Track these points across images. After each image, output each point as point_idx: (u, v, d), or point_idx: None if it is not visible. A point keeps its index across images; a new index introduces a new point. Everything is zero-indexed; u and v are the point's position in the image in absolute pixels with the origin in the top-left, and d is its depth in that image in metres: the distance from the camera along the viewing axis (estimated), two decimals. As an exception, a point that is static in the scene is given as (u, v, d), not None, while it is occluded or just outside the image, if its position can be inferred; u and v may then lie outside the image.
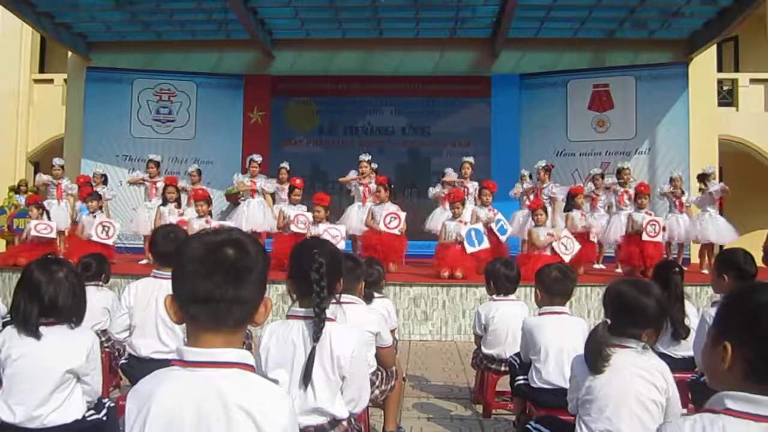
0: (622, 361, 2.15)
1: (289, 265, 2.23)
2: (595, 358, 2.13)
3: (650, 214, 7.77)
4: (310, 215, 7.63)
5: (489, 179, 8.59)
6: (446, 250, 7.37)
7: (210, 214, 7.77)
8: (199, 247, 1.25)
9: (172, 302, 1.27)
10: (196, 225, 7.33)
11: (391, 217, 7.61)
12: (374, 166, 8.99)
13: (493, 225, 7.71)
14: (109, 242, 7.69)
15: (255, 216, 8.50)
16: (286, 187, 8.56)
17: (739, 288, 1.33)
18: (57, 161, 9.33)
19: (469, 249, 7.20)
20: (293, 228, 7.53)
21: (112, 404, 2.64)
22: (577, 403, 2.24)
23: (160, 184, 8.62)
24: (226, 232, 1.30)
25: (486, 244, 7.28)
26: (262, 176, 8.94)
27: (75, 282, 2.45)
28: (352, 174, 8.72)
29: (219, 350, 1.23)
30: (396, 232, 7.59)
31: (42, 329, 2.37)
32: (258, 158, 8.92)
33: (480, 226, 7.45)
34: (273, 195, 8.86)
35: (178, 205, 8.18)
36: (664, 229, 7.66)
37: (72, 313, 2.44)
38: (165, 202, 8.22)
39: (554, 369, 3.09)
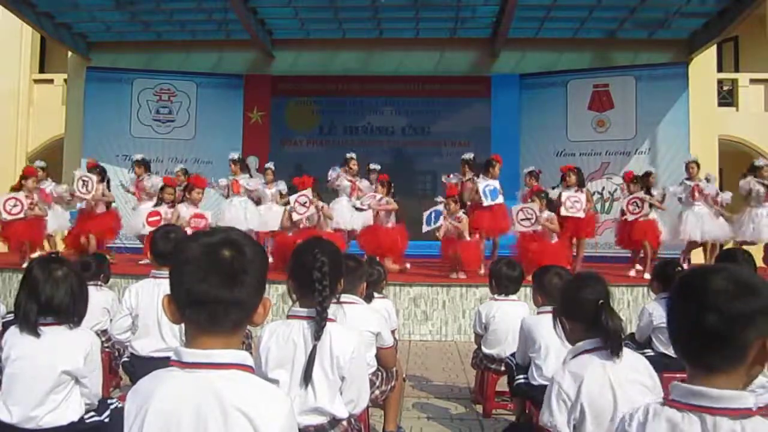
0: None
1: (290, 265, 2.22)
2: None
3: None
4: (309, 191, 7.58)
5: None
6: (450, 242, 7.34)
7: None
8: (195, 248, 1.24)
9: (169, 303, 1.26)
10: (185, 212, 7.39)
11: (371, 197, 7.84)
12: (377, 167, 9.00)
13: (482, 196, 7.64)
14: (88, 197, 7.60)
15: (237, 216, 8.36)
16: (274, 186, 8.53)
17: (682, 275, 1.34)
18: (38, 163, 8.81)
19: (425, 228, 7.35)
20: (295, 217, 7.44)
21: (119, 405, 2.60)
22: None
23: (148, 182, 8.47)
24: (223, 233, 1.28)
25: (441, 223, 7.26)
26: (245, 175, 8.82)
27: (74, 282, 2.44)
28: (332, 174, 8.65)
29: (217, 351, 1.22)
30: (366, 206, 7.75)
31: (42, 329, 2.36)
32: (233, 155, 8.81)
33: (441, 207, 7.45)
34: (259, 197, 8.72)
35: (172, 206, 8.02)
36: (651, 205, 7.66)
37: (71, 313, 2.43)
38: (160, 202, 8.05)
39: (555, 365, 3.09)
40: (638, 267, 7.80)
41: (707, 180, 8.48)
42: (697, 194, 7.96)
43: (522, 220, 7.07)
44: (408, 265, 7.96)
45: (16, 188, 7.90)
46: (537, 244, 7.03)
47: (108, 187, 8.32)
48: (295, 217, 7.40)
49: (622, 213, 7.82)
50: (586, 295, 2.16)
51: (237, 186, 8.49)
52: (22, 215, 7.49)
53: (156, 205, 8.16)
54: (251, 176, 9.00)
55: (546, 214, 7.20)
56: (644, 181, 8.38)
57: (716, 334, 1.16)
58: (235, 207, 8.44)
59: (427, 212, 7.58)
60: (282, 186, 8.70)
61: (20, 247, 7.80)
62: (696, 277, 1.22)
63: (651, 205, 7.80)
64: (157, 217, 7.88)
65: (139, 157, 8.99)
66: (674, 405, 1.19)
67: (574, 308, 2.20)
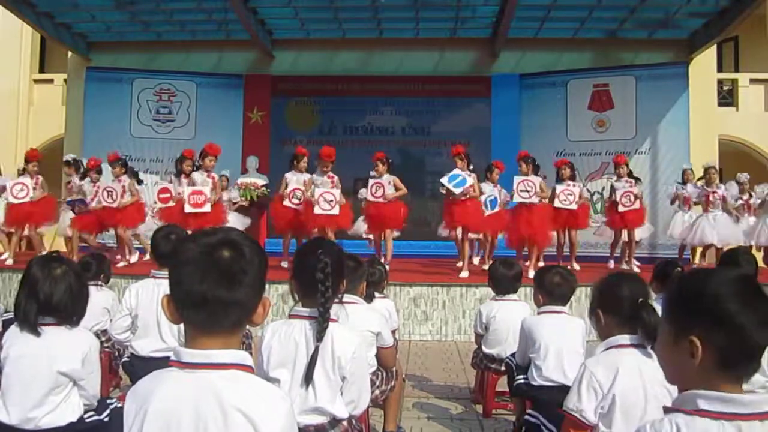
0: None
1: (293, 265, 2.24)
2: None
3: (630, 183, 8.14)
4: (337, 192, 7.61)
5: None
6: (455, 205, 7.49)
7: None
8: (194, 249, 1.24)
9: (168, 303, 1.26)
10: (198, 178, 7.59)
11: (377, 187, 7.76)
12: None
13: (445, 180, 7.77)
14: (114, 205, 7.80)
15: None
16: (227, 194, 8.77)
17: (687, 279, 1.28)
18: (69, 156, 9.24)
19: (446, 183, 7.43)
20: (317, 210, 7.49)
21: (119, 405, 2.60)
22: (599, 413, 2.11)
23: (77, 181, 8.45)
24: (222, 233, 1.28)
25: (470, 182, 7.45)
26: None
27: (73, 281, 2.42)
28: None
29: (216, 352, 1.22)
30: (381, 200, 7.69)
31: (41, 329, 2.35)
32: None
33: (465, 176, 7.55)
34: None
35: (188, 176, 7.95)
36: (640, 198, 8.05)
37: (69, 313, 2.41)
38: (179, 175, 8.03)
39: (554, 366, 3.10)
40: (631, 264, 8.16)
41: (738, 182, 8.58)
42: (711, 201, 8.10)
43: (521, 191, 7.52)
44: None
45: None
46: (527, 210, 7.51)
47: (137, 179, 8.50)
48: (317, 210, 7.49)
49: (615, 203, 8.11)
50: (626, 292, 2.20)
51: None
52: (27, 199, 7.85)
53: (176, 174, 8.18)
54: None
55: (533, 177, 7.61)
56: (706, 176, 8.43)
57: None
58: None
59: (446, 178, 7.50)
60: (234, 194, 8.98)
61: (20, 228, 8.07)
62: (748, 294, 1.17)
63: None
64: (168, 194, 7.92)
65: (70, 157, 9.09)
66: (706, 414, 1.16)
67: (611, 303, 2.22)
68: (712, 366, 1.17)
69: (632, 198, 7.97)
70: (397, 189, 7.77)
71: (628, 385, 2.03)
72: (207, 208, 7.48)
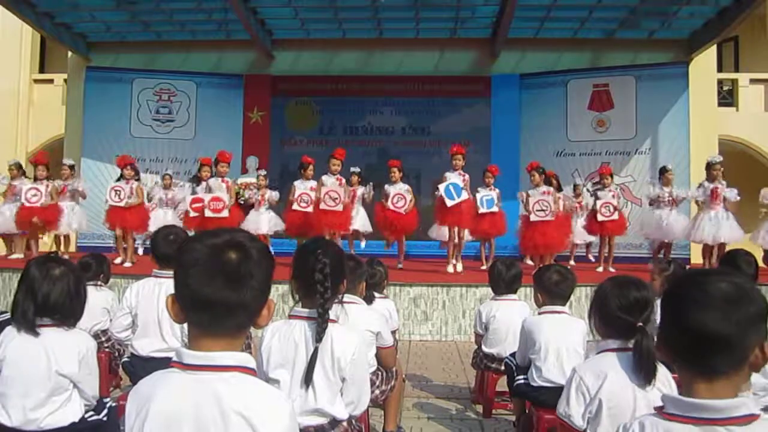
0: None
1: (293, 266, 2.23)
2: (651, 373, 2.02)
3: (612, 192, 8.56)
4: (341, 190, 7.98)
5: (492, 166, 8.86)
6: (447, 207, 7.70)
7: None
8: (201, 250, 1.23)
9: (173, 303, 1.25)
10: (214, 184, 8.06)
11: (399, 197, 8.21)
12: (356, 169, 9.08)
13: (479, 204, 8.19)
14: (122, 204, 8.00)
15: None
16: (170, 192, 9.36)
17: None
18: (66, 161, 9.29)
19: (449, 202, 7.67)
20: (323, 206, 7.86)
21: (113, 404, 2.61)
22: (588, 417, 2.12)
23: (19, 183, 8.54)
24: (229, 234, 1.26)
25: (465, 196, 7.74)
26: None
27: (71, 282, 2.42)
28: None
29: (218, 354, 1.22)
30: (402, 211, 8.16)
31: (39, 330, 2.34)
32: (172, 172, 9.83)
33: (457, 180, 7.84)
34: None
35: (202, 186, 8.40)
36: (616, 208, 8.43)
37: (66, 314, 2.41)
38: (199, 182, 8.53)
39: (554, 366, 3.10)
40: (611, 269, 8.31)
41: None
42: (716, 197, 8.04)
43: (538, 210, 7.72)
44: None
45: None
46: (542, 223, 7.64)
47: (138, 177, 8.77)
48: (322, 206, 7.87)
49: (594, 212, 8.52)
50: (612, 302, 2.18)
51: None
52: (38, 204, 8.11)
53: (197, 184, 8.62)
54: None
55: (543, 188, 7.80)
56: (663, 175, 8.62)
57: (722, 338, 1.17)
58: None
59: (442, 187, 7.73)
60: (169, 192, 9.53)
61: (32, 230, 8.27)
62: (696, 281, 1.23)
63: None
64: (200, 203, 8.15)
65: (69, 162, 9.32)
66: (675, 419, 1.19)
67: (601, 309, 2.22)
68: (679, 360, 1.24)
69: (611, 209, 8.37)
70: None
71: (617, 390, 2.03)
72: (225, 213, 7.89)
